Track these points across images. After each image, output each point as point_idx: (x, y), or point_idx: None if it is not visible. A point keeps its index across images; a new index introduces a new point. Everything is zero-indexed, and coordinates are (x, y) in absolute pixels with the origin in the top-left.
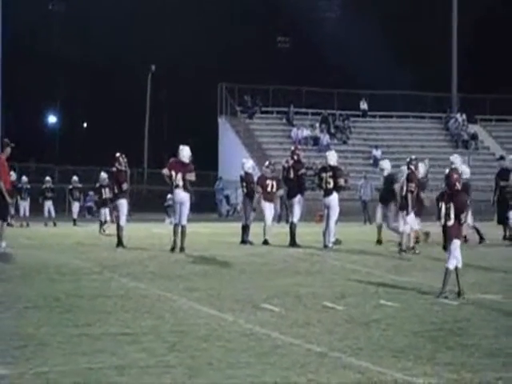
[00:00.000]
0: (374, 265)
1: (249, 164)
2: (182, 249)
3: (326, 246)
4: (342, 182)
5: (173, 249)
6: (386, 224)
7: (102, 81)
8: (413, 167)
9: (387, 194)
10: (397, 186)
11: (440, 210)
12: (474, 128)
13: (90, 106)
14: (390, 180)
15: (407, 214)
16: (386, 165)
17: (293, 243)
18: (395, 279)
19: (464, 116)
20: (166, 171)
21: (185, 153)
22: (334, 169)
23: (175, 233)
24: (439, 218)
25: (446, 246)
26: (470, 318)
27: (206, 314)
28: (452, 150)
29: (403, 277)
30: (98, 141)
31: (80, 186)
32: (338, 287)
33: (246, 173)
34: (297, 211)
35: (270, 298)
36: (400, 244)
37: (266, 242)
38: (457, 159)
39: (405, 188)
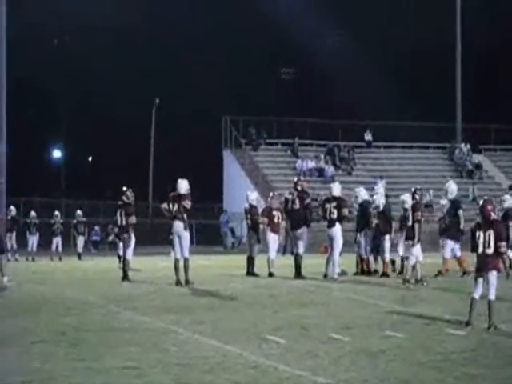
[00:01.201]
0: (379, 296)
1: (253, 196)
2: (187, 282)
3: (325, 276)
4: (346, 212)
5: (177, 283)
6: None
7: (106, 115)
8: (418, 197)
9: (361, 221)
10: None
11: (476, 239)
12: (478, 158)
13: (94, 140)
14: (365, 207)
15: (413, 244)
16: (362, 192)
17: (298, 275)
18: (401, 310)
19: (468, 146)
20: (164, 205)
21: (182, 185)
22: (338, 199)
23: (176, 268)
24: (475, 248)
25: (478, 276)
26: (477, 348)
27: (212, 346)
28: (457, 180)
29: (409, 308)
30: (103, 175)
31: (84, 219)
32: (343, 318)
33: (251, 205)
34: (302, 242)
35: (275, 330)
36: (404, 275)
37: (270, 275)
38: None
39: (411, 218)
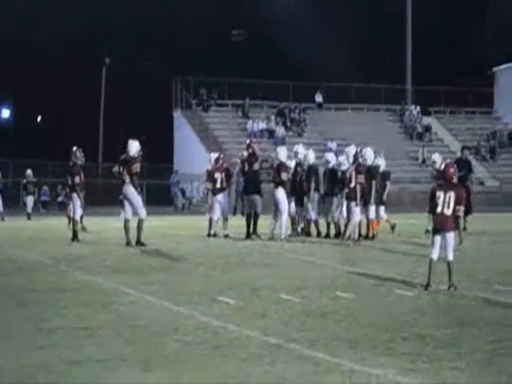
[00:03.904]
0: (329, 257)
1: (283, 153)
2: (138, 242)
3: (271, 239)
4: (284, 176)
5: (128, 243)
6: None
7: (56, 74)
8: (361, 159)
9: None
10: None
11: (436, 199)
12: (427, 120)
13: (43, 99)
14: (315, 170)
15: (356, 205)
16: (310, 155)
17: (250, 233)
18: (351, 271)
19: (418, 108)
20: (115, 169)
21: (132, 146)
22: (279, 165)
23: (126, 229)
24: (432, 208)
25: (435, 236)
26: (426, 309)
27: (162, 307)
28: (406, 142)
29: (359, 269)
30: (53, 134)
31: (35, 180)
32: (294, 280)
33: (281, 162)
34: (259, 202)
35: (225, 291)
36: (343, 233)
37: (211, 235)
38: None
39: (353, 180)
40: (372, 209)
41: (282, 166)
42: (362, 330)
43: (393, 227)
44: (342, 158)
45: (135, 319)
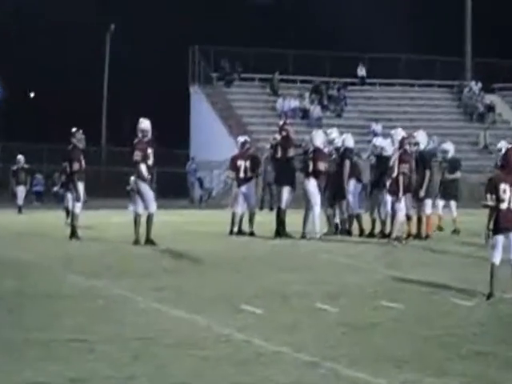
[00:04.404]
0: (373, 259)
1: (320, 138)
2: (148, 241)
3: (304, 237)
4: (321, 166)
5: (136, 242)
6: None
7: (51, 43)
8: (408, 147)
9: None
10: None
11: (500, 193)
12: (490, 98)
13: (37, 73)
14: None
15: (398, 200)
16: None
17: (280, 233)
18: (398, 276)
19: (479, 84)
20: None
21: (142, 126)
22: (315, 151)
23: (136, 224)
24: (497, 202)
25: (499, 237)
26: (487, 322)
27: (176, 317)
28: (465, 123)
29: (407, 273)
30: (48, 113)
31: (26, 166)
32: (330, 286)
33: (317, 148)
34: (286, 195)
35: (251, 299)
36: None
37: (234, 232)
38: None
39: (396, 169)
40: (427, 204)
41: (319, 154)
42: (411, 346)
43: (456, 230)
44: (385, 143)
45: (144, 331)
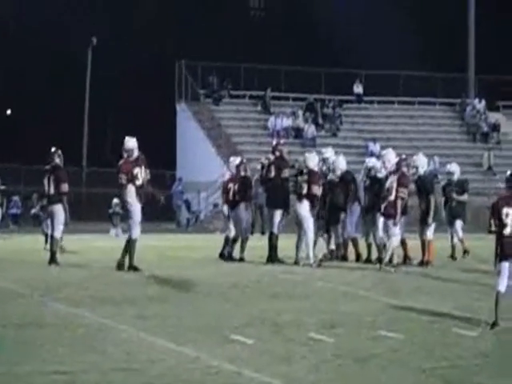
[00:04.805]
0: (370, 286)
1: (314, 160)
2: (130, 267)
3: (297, 263)
4: (315, 190)
5: (119, 266)
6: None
7: (30, 58)
8: (405, 169)
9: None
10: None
11: (503, 217)
12: (495, 117)
13: (14, 88)
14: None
15: (394, 224)
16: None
17: (272, 259)
18: (397, 304)
19: (483, 102)
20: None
21: (127, 145)
22: (309, 173)
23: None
24: (500, 228)
25: (502, 261)
26: (491, 353)
27: (162, 347)
28: (468, 144)
29: (407, 301)
30: (25, 132)
31: (2, 188)
32: (326, 314)
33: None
34: (278, 218)
35: (241, 328)
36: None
37: (224, 256)
38: None
39: (394, 193)
40: (430, 229)
41: (313, 177)
42: (411, 378)
43: (465, 251)
44: (379, 164)
45: (128, 362)
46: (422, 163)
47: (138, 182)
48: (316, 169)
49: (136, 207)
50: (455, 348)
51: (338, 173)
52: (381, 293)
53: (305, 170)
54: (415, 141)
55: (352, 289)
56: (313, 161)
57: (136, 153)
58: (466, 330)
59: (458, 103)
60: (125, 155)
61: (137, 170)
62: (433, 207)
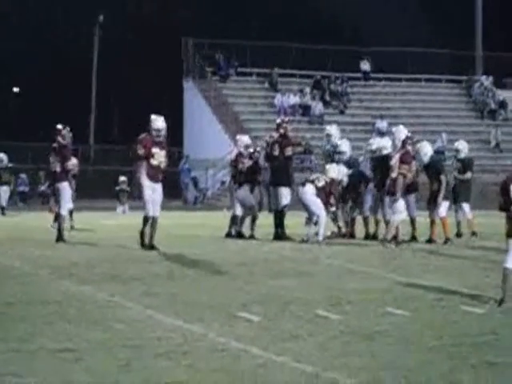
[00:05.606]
0: (378, 264)
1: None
2: (149, 245)
3: (303, 241)
4: (331, 200)
5: (143, 245)
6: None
7: (36, 35)
8: (410, 147)
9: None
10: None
11: (507, 194)
12: (502, 94)
13: (21, 66)
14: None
15: (395, 200)
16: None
17: (279, 236)
18: (405, 282)
19: (491, 79)
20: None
21: (157, 124)
22: (330, 183)
23: (145, 227)
24: (508, 205)
25: (509, 238)
26: (499, 330)
27: (169, 324)
28: (476, 121)
29: (414, 279)
30: (33, 110)
31: (10, 165)
32: (333, 292)
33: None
34: (284, 195)
35: (248, 306)
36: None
37: (232, 235)
38: None
39: (396, 170)
40: (444, 206)
41: (333, 187)
42: (418, 356)
43: (474, 233)
44: (385, 141)
45: (134, 339)
46: (426, 150)
47: (154, 162)
48: (339, 178)
49: (144, 185)
50: (462, 325)
51: (344, 157)
52: (388, 270)
53: (326, 179)
54: (422, 118)
55: (359, 266)
56: (334, 171)
57: (163, 133)
58: (473, 308)
59: (465, 80)
60: (154, 134)
61: (156, 150)
62: (444, 186)
